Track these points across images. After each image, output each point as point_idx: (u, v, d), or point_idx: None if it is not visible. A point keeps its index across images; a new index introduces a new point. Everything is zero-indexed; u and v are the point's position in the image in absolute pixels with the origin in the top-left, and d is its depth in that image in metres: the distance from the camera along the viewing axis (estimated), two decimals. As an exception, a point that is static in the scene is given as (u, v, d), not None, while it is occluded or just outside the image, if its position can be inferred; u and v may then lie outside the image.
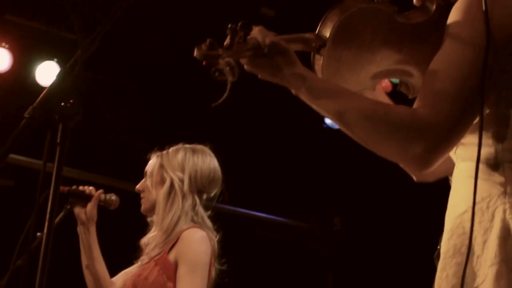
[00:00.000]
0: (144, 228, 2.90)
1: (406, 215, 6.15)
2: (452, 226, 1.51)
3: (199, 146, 2.84)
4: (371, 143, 1.53)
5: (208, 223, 2.73)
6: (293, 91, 1.58)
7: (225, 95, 1.48)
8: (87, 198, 2.76)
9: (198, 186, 2.75)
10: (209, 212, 2.77)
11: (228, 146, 5.96)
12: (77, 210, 2.75)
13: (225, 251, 5.78)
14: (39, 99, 1.45)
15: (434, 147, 1.45)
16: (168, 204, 2.71)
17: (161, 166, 2.79)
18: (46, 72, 5.14)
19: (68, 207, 2.75)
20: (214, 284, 2.77)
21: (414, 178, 1.83)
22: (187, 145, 2.85)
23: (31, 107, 1.43)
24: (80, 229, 2.76)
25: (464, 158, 1.54)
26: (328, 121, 5.89)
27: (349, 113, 1.52)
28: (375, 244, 6.54)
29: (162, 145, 2.94)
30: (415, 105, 1.51)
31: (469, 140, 1.50)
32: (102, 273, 2.79)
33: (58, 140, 1.43)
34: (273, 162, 6.22)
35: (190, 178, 2.73)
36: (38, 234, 2.26)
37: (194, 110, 5.73)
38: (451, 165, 1.62)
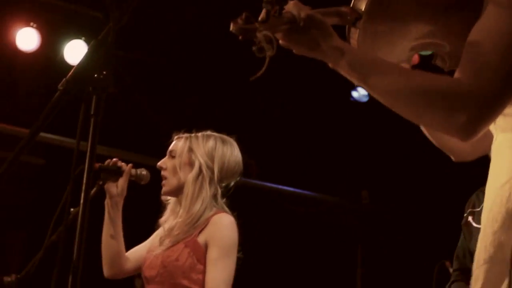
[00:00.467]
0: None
1: (434, 187, 6.14)
2: (493, 198, 1.50)
3: (227, 137, 2.86)
4: (414, 114, 1.52)
5: (228, 211, 2.75)
6: (330, 65, 1.56)
7: (263, 69, 1.48)
8: (118, 173, 2.78)
9: (222, 176, 2.77)
10: (224, 200, 2.79)
11: (256, 122, 5.99)
12: (108, 184, 2.78)
13: (254, 226, 5.82)
14: (72, 71, 1.46)
15: (477, 116, 1.43)
16: (197, 189, 2.72)
17: (190, 150, 2.79)
18: (74, 51, 5.17)
19: (101, 182, 2.77)
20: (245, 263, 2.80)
21: (453, 158, 1.81)
22: (216, 134, 2.86)
23: (64, 79, 1.45)
24: (108, 202, 2.78)
25: (505, 129, 1.53)
26: (355, 94, 5.87)
27: (390, 84, 1.50)
28: (403, 217, 6.53)
29: (190, 123, 2.95)
30: (456, 75, 1.49)
31: (510, 111, 1.48)
32: (120, 249, 2.82)
33: (92, 112, 1.43)
34: (301, 137, 6.23)
35: (217, 168, 2.75)
36: (72, 209, 2.29)
37: (222, 86, 5.75)
38: (490, 143, 1.61)
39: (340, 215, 6.76)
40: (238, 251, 2.78)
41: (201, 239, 2.66)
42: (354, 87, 5.86)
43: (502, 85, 1.42)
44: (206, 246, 2.65)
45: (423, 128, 1.76)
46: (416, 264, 5.78)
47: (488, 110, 1.43)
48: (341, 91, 5.92)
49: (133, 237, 2.96)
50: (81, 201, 1.29)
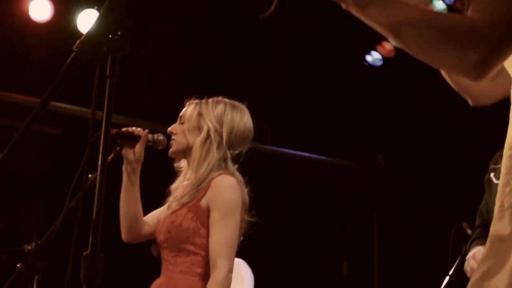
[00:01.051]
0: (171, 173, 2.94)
1: (449, 150, 6.13)
2: None
3: (238, 103, 2.86)
4: (425, 53, 1.50)
5: (238, 176, 2.76)
6: (343, 5, 1.55)
7: (272, 7, 1.46)
8: (135, 139, 2.80)
9: (232, 141, 2.78)
10: (236, 166, 2.80)
11: (271, 87, 5.98)
12: (126, 150, 2.80)
13: (269, 192, 5.85)
14: (86, 32, 1.46)
15: (489, 55, 1.41)
16: (204, 152, 2.74)
17: (200, 114, 2.81)
18: (87, 20, 5.16)
19: (118, 148, 2.79)
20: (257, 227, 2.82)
21: (470, 102, 1.80)
22: (227, 100, 2.86)
23: (79, 40, 1.45)
24: (126, 168, 2.80)
25: None
26: (369, 58, 5.85)
27: (402, 22, 1.48)
28: (418, 180, 6.54)
29: (203, 90, 2.96)
30: (469, 13, 1.47)
31: None
32: (138, 213, 2.85)
33: (108, 73, 1.44)
34: (316, 102, 6.22)
35: (226, 132, 2.76)
36: (90, 175, 2.31)
37: (236, 52, 5.74)
38: (509, 86, 1.60)
39: (355, 180, 6.77)
40: (253, 216, 2.80)
41: (203, 202, 2.68)
42: (368, 51, 5.83)
43: None
44: (208, 210, 2.67)
45: (442, 72, 1.75)
46: (433, 227, 5.80)
47: (500, 49, 1.41)
48: (355, 56, 5.90)
49: (150, 203, 2.99)
50: (100, 159, 1.30)
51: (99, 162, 1.32)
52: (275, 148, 6.29)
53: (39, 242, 2.52)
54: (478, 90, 1.75)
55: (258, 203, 2.95)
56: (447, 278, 3.58)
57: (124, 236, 2.89)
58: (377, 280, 6.77)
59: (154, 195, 2.95)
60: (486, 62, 1.41)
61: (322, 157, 6.50)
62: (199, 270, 2.65)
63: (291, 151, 6.37)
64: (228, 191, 2.67)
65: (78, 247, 1.36)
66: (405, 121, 6.28)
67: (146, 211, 2.94)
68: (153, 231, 2.86)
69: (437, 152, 6.29)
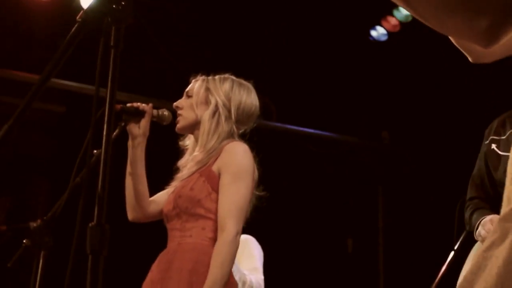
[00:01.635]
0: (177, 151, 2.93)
1: (453, 125, 6.11)
2: None
3: (244, 81, 2.87)
4: (434, 18, 1.46)
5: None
6: None
7: None
8: (140, 114, 2.79)
9: (239, 117, 2.79)
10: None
11: (276, 64, 5.96)
12: (131, 125, 2.79)
13: (275, 168, 5.85)
14: (90, 3, 1.45)
15: (501, 21, 1.37)
16: (214, 124, 2.75)
17: (207, 89, 2.82)
18: (90, -3, 5.13)
19: (123, 124, 2.78)
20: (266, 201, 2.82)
21: (470, 59, 1.77)
22: (234, 77, 2.87)
23: (82, 11, 1.44)
24: (131, 143, 2.79)
25: None
26: (374, 33, 5.81)
27: None
28: (423, 157, 6.53)
29: (209, 67, 2.96)
30: None
31: None
32: (144, 190, 2.83)
33: (112, 43, 1.43)
34: (321, 78, 6.20)
35: (234, 107, 2.77)
36: (95, 151, 2.30)
37: (242, 28, 5.71)
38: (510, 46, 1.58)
39: (360, 156, 6.76)
40: (261, 190, 2.80)
41: (215, 167, 2.68)
42: (373, 26, 5.80)
43: None
44: (219, 175, 2.67)
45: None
46: (438, 203, 5.80)
47: None
48: (360, 31, 5.86)
49: (156, 184, 2.98)
50: (104, 132, 1.29)
51: (104, 135, 1.31)
52: (280, 125, 6.29)
53: (44, 218, 2.53)
54: (479, 48, 1.73)
55: (263, 180, 2.95)
56: (452, 253, 3.58)
57: (129, 214, 2.87)
58: (382, 256, 6.78)
59: (160, 175, 2.94)
60: (498, 28, 1.39)
61: (327, 133, 6.49)
62: (210, 234, 2.64)
63: (296, 127, 6.36)
64: (240, 155, 2.68)
65: (84, 222, 1.36)
66: (410, 97, 6.26)
67: (152, 191, 2.93)
68: (159, 210, 2.85)
69: (441, 128, 6.27)
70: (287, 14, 5.65)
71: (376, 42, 5.82)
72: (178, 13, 5.58)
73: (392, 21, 5.68)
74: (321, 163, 6.55)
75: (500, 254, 1.38)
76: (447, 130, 6.23)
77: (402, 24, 5.61)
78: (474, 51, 1.75)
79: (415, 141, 6.57)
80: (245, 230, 3.95)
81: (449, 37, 1.75)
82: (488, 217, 3.06)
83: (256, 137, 2.85)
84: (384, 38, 5.81)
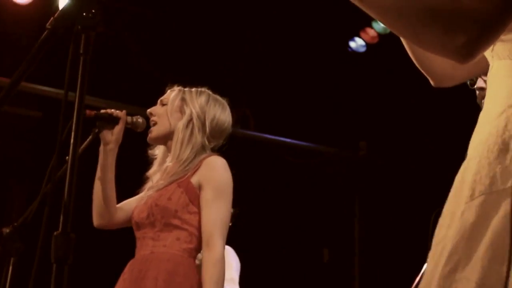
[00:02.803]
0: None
1: (430, 137, 6.15)
2: (489, 129, 1.48)
3: (220, 98, 2.88)
4: (412, 34, 1.47)
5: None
6: None
7: None
8: (114, 121, 2.77)
9: (212, 131, 2.78)
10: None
11: (254, 74, 5.97)
12: (104, 132, 2.77)
13: (252, 178, 5.84)
14: (60, 10, 1.45)
15: (478, 37, 1.38)
16: (188, 135, 2.74)
17: (183, 99, 2.82)
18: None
19: (96, 130, 2.77)
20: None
21: (432, 83, 1.78)
22: (211, 92, 2.87)
23: (52, 18, 1.44)
24: (103, 149, 2.76)
25: (502, 56, 1.49)
26: (353, 45, 5.85)
27: (387, 1, 1.46)
28: (400, 168, 6.56)
29: (183, 75, 2.96)
30: None
31: (510, 37, 1.44)
32: (111, 196, 2.81)
33: (82, 51, 1.42)
34: (299, 88, 6.21)
35: (208, 120, 2.77)
36: (67, 157, 2.28)
37: (218, 37, 5.71)
38: (472, 69, 1.58)
39: (337, 166, 6.78)
40: (234, 205, 2.81)
41: (194, 180, 2.67)
42: (351, 38, 5.83)
43: (504, 7, 1.37)
44: (199, 188, 2.66)
45: (405, 45, 1.72)
46: (414, 214, 5.83)
47: (489, 32, 1.38)
48: (338, 42, 5.89)
49: (123, 193, 2.96)
50: (72, 140, 1.29)
51: (71, 142, 1.31)
52: (257, 134, 6.29)
53: (15, 224, 2.50)
54: (441, 72, 1.74)
55: (240, 189, 2.95)
56: (425, 265, 3.60)
57: (95, 221, 2.84)
58: (357, 266, 6.80)
59: (127, 183, 2.92)
60: (474, 45, 1.39)
61: (304, 143, 6.51)
62: (184, 245, 2.63)
63: (274, 137, 6.37)
64: (221, 170, 2.68)
65: (51, 229, 1.35)
66: (388, 108, 6.29)
67: (118, 199, 2.90)
68: (126, 218, 2.82)
69: (418, 139, 6.32)
70: (266, 25, 5.67)
71: (354, 53, 5.86)
72: (153, 18, 5.58)
73: (371, 32, 5.73)
74: (298, 172, 6.56)
75: (471, 275, 1.39)
76: (424, 141, 6.27)
77: (381, 35, 5.65)
78: (436, 75, 1.76)
79: (392, 151, 6.60)
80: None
81: (413, 60, 1.76)
82: None
83: (233, 146, 2.86)
84: (362, 49, 5.85)
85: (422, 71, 1.71)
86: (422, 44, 1.50)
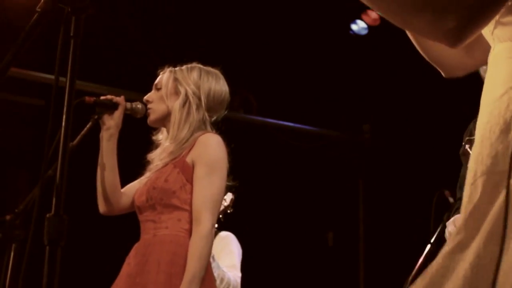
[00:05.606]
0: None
1: (434, 119, 6.13)
2: (490, 110, 1.48)
3: (212, 69, 2.87)
4: (402, 18, 1.47)
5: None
6: None
7: None
8: (114, 106, 2.78)
9: (210, 104, 2.78)
10: (213, 131, 2.80)
11: (257, 58, 5.95)
12: (104, 118, 2.78)
13: (257, 162, 5.84)
14: None
15: (467, 20, 1.39)
16: (184, 114, 2.74)
17: (175, 80, 2.81)
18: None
19: (96, 117, 2.77)
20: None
21: (443, 74, 1.78)
22: (201, 65, 2.87)
23: (42, 1, 1.43)
24: (103, 134, 2.78)
25: (503, 39, 1.49)
26: (354, 27, 5.82)
27: None
28: (404, 150, 6.55)
29: (183, 60, 2.95)
30: None
31: (509, 20, 1.44)
32: (115, 182, 2.81)
33: (72, 33, 1.43)
34: (302, 72, 6.20)
35: (204, 95, 2.77)
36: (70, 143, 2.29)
37: (220, 18, 5.69)
38: (482, 57, 1.58)
39: (341, 150, 6.77)
40: (233, 179, 2.81)
41: (189, 159, 2.68)
42: (353, 20, 5.80)
43: None
44: (193, 166, 2.67)
45: (411, 38, 1.72)
46: (417, 196, 5.82)
47: (478, 16, 1.38)
48: (340, 25, 5.87)
49: (128, 177, 2.96)
50: (63, 123, 1.29)
51: (63, 125, 1.31)
52: (260, 118, 6.29)
53: (16, 211, 2.52)
54: (450, 62, 1.74)
55: (244, 174, 2.94)
56: (428, 246, 3.61)
57: (101, 208, 2.85)
58: (362, 250, 6.81)
59: (131, 168, 2.93)
60: (464, 28, 1.39)
61: (308, 127, 6.50)
62: (186, 226, 2.63)
63: (277, 121, 6.37)
64: (214, 147, 2.68)
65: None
66: (391, 91, 6.27)
67: (123, 185, 2.91)
68: (131, 203, 2.83)
69: (422, 121, 6.30)
70: (268, 8, 5.64)
71: (356, 36, 5.83)
72: (153, 3, 5.56)
73: (372, 15, 5.69)
74: (301, 157, 6.56)
75: (467, 257, 1.39)
76: (427, 124, 6.26)
77: (382, 18, 5.62)
78: (445, 65, 1.76)
79: (396, 134, 6.59)
80: (225, 226, 3.97)
81: (420, 52, 1.76)
82: (452, 219, 3.11)
83: (236, 130, 2.85)
84: (364, 32, 5.81)
85: (432, 62, 1.71)
86: (413, 29, 1.51)
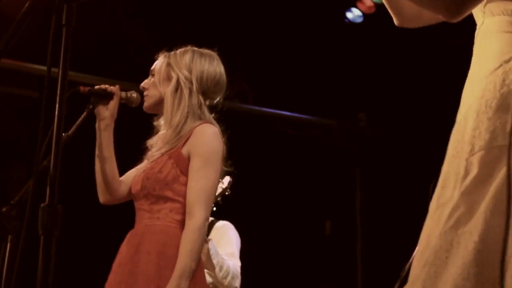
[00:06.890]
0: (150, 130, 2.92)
1: (430, 107, 6.13)
2: (484, 85, 1.48)
3: (207, 51, 2.84)
4: None
5: (216, 124, 2.75)
6: None
7: None
8: (108, 96, 2.77)
9: (204, 87, 2.76)
10: (213, 115, 2.79)
11: (252, 47, 5.93)
12: (99, 108, 2.77)
13: (253, 151, 5.83)
14: None
15: None
16: (176, 100, 2.73)
17: (168, 65, 2.80)
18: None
19: (91, 107, 2.77)
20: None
21: (397, 22, 1.80)
22: (195, 48, 2.85)
23: None
24: (99, 125, 2.77)
25: (495, 13, 1.49)
26: (349, 15, 5.80)
27: None
28: (400, 138, 6.55)
29: (170, 49, 2.94)
30: None
31: None
32: (114, 172, 2.81)
33: (64, 22, 1.42)
34: (297, 60, 6.18)
35: (196, 78, 2.74)
36: (64, 134, 2.29)
37: (214, 10, 5.68)
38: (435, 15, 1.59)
39: (337, 138, 6.77)
40: (230, 165, 2.80)
41: (184, 150, 2.67)
42: (348, 8, 5.79)
43: None
44: (189, 158, 2.66)
45: None
46: (414, 183, 5.82)
47: None
48: (335, 13, 5.85)
49: (126, 164, 2.96)
50: (56, 112, 1.28)
51: (56, 114, 1.30)
52: (256, 108, 6.28)
53: (12, 202, 2.52)
54: (409, 11, 1.76)
55: (240, 163, 2.94)
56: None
57: (101, 197, 2.85)
58: (360, 238, 6.81)
59: (129, 155, 2.93)
60: (463, 2, 1.41)
61: (304, 116, 6.49)
62: (178, 217, 2.63)
63: (273, 110, 6.36)
64: (209, 139, 2.66)
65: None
66: (387, 79, 6.26)
67: (122, 173, 2.91)
68: (129, 191, 2.83)
69: (418, 109, 6.29)
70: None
71: (351, 24, 5.81)
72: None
73: (367, 2, 5.68)
74: (298, 145, 6.55)
75: (474, 229, 1.39)
76: (423, 112, 6.25)
77: (377, 5, 5.61)
78: (402, 15, 1.77)
79: (392, 122, 6.59)
80: (223, 215, 3.97)
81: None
82: None
83: (232, 120, 2.84)
84: (359, 20, 5.80)
85: (389, 9, 1.73)
86: (415, 1, 1.51)
